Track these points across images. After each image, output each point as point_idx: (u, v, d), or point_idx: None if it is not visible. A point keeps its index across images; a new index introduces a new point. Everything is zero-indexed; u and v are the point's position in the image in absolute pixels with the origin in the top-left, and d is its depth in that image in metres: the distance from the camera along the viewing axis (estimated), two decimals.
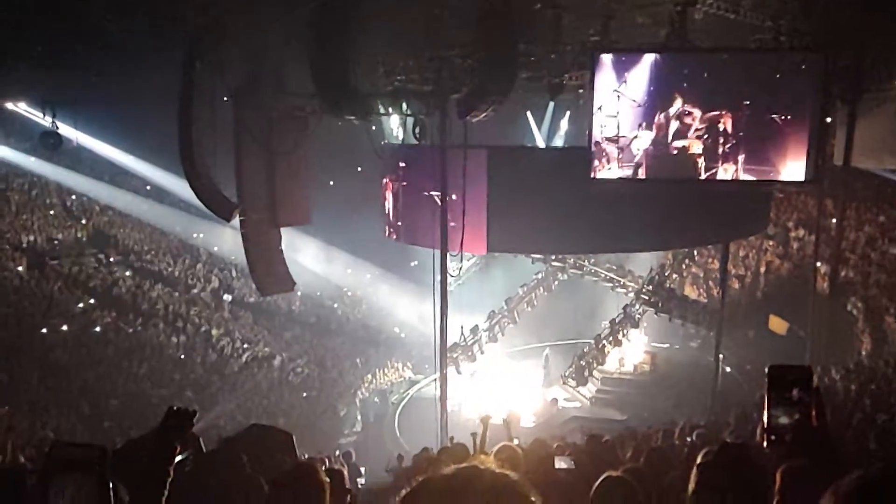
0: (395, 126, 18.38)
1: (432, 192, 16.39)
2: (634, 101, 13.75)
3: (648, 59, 13.76)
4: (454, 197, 15.61)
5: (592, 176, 13.76)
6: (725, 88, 13.70)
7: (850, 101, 15.87)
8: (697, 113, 13.75)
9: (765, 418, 2.14)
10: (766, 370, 2.15)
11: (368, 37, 12.85)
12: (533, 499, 1.32)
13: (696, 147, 13.89)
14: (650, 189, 14.42)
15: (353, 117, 13.24)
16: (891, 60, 15.92)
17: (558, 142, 22.74)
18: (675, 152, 13.98)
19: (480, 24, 12.06)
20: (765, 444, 2.16)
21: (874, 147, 16.86)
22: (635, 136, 13.89)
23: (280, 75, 14.96)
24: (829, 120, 15.87)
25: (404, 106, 14.95)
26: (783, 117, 13.39)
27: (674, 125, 13.90)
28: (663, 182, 14.17)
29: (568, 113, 22.28)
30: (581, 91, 14.88)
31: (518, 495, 1.31)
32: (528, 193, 15.17)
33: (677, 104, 13.76)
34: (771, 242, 25.18)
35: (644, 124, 13.85)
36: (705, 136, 13.78)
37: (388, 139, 18.28)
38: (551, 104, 20.00)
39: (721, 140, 13.72)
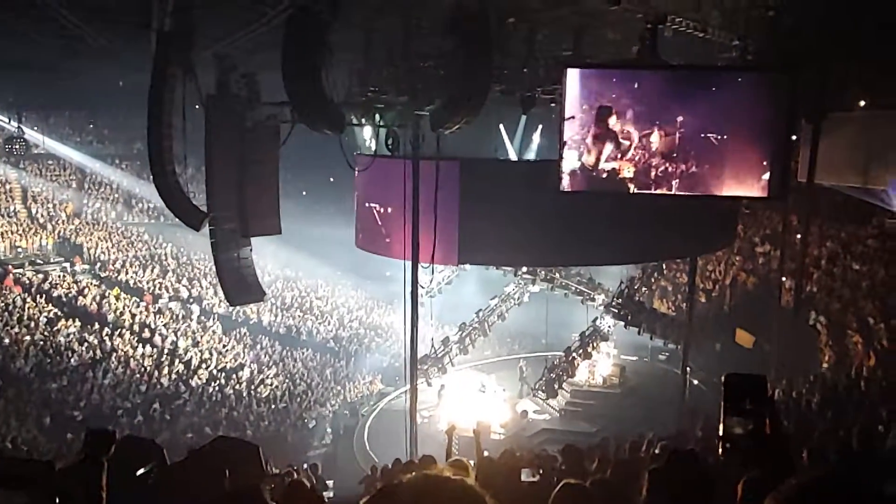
0: (367, 136, 18.39)
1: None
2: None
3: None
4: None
5: (561, 188, 13.25)
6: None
7: (814, 120, 16.24)
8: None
9: (720, 427, 2.18)
10: (723, 379, 2.19)
11: (342, 47, 12.84)
12: (488, 502, 1.35)
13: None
14: (620, 203, 14.47)
15: (325, 127, 13.20)
16: (854, 80, 16.37)
17: (531, 155, 22.91)
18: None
19: (454, 36, 12.14)
20: (720, 452, 2.19)
21: (837, 165, 17.27)
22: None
23: (252, 83, 14.88)
24: (794, 138, 16.24)
25: (377, 117, 14.96)
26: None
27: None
28: (634, 195, 14.00)
29: (540, 126, 22.48)
30: (553, 105, 15.01)
31: (474, 500, 1.34)
32: (500, 206, 15.24)
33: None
34: (738, 257, 25.61)
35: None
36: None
37: (362, 150, 18.29)
38: (524, 117, 20.16)
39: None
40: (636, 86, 12.88)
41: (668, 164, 13.04)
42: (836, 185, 18.93)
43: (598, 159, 13.22)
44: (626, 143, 13.08)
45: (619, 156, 13.15)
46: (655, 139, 12.92)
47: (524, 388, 23.26)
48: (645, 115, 12.89)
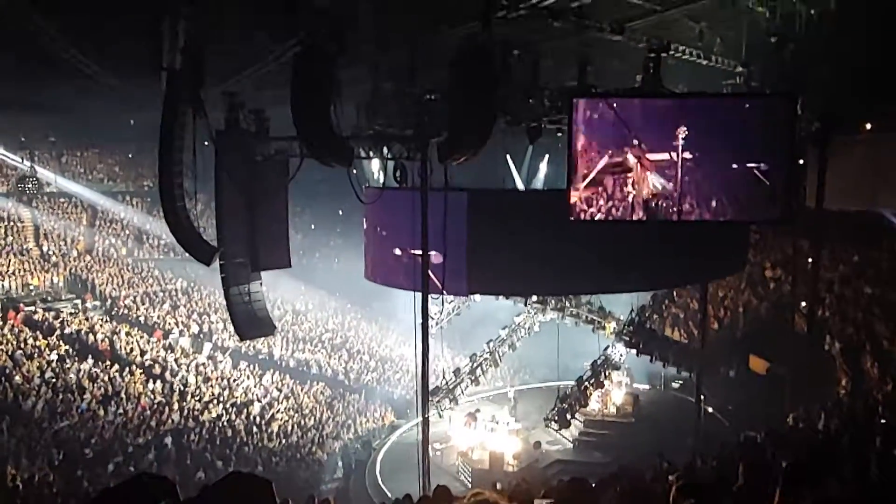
0: (375, 169, 18.53)
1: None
2: None
3: None
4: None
5: (573, 217, 13.20)
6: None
7: (821, 145, 16.26)
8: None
9: None
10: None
11: (349, 81, 13.01)
12: None
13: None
14: (630, 230, 14.41)
15: (334, 161, 13.32)
16: (859, 104, 16.42)
17: (538, 184, 23.02)
18: None
19: (459, 70, 12.28)
20: None
21: (846, 189, 17.24)
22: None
23: (261, 119, 15.07)
24: (801, 162, 16.26)
25: (385, 149, 15.09)
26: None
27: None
28: (641, 223, 13.88)
29: (547, 156, 22.62)
30: (559, 134, 15.11)
31: None
32: (509, 236, 15.27)
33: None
34: (748, 285, 25.45)
35: None
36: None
37: (370, 182, 18.41)
38: (530, 147, 20.28)
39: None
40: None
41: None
42: (844, 208, 18.88)
43: None
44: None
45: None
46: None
47: (514, 412, 23.00)
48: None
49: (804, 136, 15.86)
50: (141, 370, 25.01)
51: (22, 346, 24.43)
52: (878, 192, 17.34)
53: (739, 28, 14.53)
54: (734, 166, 12.64)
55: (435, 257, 14.69)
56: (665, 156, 12.62)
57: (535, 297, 23.41)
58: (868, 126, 18.07)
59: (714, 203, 12.83)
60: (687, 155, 12.56)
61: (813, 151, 16.68)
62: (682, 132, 12.50)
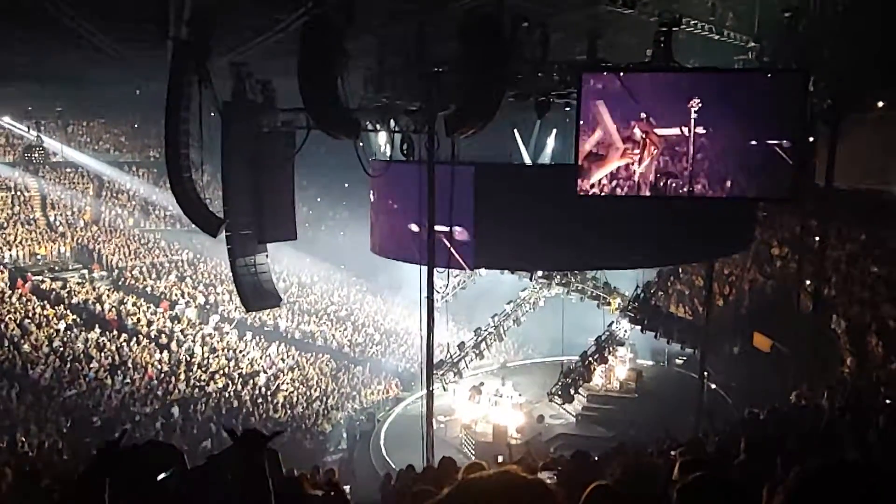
0: (382, 142, 18.43)
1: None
2: None
3: None
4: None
5: (580, 192, 13.06)
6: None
7: (832, 121, 16.09)
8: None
9: None
10: None
11: (357, 53, 12.89)
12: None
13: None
14: (636, 206, 14.31)
15: (341, 133, 13.25)
16: (871, 81, 16.22)
17: (545, 159, 22.88)
18: None
19: (468, 42, 12.14)
20: None
21: (855, 167, 17.10)
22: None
23: (268, 90, 14.97)
24: (811, 139, 16.12)
25: (392, 122, 14.99)
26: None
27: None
28: (648, 199, 13.78)
29: (554, 130, 22.45)
30: (567, 109, 14.97)
31: (553, 499, 1.37)
32: (515, 210, 15.21)
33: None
34: (754, 262, 25.37)
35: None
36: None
37: (377, 155, 18.33)
38: (538, 122, 20.12)
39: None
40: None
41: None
42: (854, 186, 18.73)
43: None
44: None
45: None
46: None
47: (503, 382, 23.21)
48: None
49: (815, 113, 15.69)
50: (148, 340, 25.20)
51: (30, 315, 24.62)
52: (889, 170, 17.20)
53: (752, 2, 14.30)
54: (753, 142, 12.43)
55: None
56: (676, 131, 12.45)
57: (540, 272, 23.40)
58: (880, 104, 17.87)
59: (729, 182, 12.62)
60: (700, 129, 12.35)
61: (824, 129, 16.51)
62: (695, 104, 12.30)
